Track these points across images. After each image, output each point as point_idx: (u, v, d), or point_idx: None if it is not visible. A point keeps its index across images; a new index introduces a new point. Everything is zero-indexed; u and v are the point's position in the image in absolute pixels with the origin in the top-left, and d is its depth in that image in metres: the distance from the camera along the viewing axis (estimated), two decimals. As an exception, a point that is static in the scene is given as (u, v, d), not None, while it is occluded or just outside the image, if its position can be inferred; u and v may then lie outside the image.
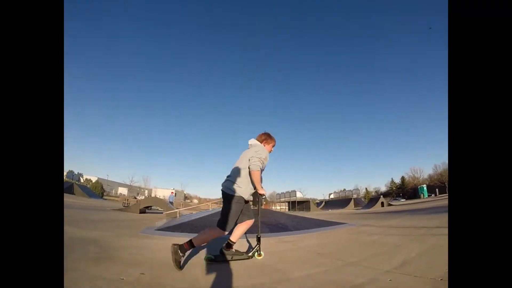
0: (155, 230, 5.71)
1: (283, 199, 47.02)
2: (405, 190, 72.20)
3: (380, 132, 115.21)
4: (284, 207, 45.17)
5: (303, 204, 38.02)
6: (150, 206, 16.84)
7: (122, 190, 72.81)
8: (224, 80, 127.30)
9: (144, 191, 76.64)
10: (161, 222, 7.93)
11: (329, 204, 41.85)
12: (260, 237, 3.15)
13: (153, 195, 70.30)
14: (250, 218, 3.04)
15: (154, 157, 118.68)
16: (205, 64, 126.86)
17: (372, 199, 29.71)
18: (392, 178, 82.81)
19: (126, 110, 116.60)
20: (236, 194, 2.82)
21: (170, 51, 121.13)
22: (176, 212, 12.86)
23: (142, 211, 13.94)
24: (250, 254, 3.07)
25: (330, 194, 54.24)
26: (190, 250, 2.82)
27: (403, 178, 77.14)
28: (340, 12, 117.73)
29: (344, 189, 49.08)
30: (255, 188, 2.94)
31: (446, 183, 58.79)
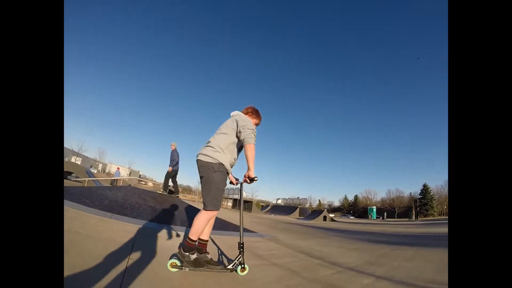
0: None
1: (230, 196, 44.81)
2: (356, 209, 74.10)
3: (345, 150, 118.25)
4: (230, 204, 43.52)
5: (246, 204, 36.58)
6: (71, 173, 16.62)
7: (76, 160, 67.32)
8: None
9: (98, 165, 72.00)
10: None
11: (275, 208, 40.91)
12: (243, 244, 2.50)
13: (107, 170, 67.49)
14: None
15: (115, 132, 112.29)
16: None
17: (315, 211, 28.93)
18: (346, 195, 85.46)
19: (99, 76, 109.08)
20: (214, 161, 2.37)
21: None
22: (85, 181, 13.13)
23: (60, 176, 13.63)
24: (230, 266, 2.41)
25: (278, 199, 53.66)
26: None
27: (356, 197, 79.31)
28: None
29: (298, 197, 48.44)
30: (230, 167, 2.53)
31: (396, 208, 60.85)
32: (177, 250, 2.41)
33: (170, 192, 9.28)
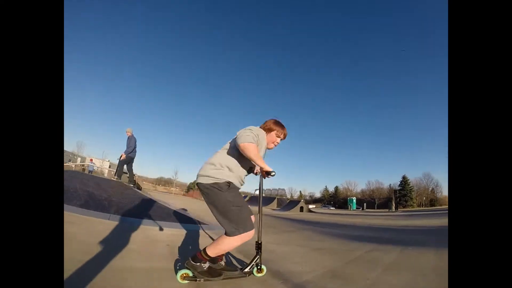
0: None
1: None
2: (336, 199, 74.55)
3: (326, 142, 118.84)
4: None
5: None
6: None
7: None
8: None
9: (77, 158, 69.13)
10: None
11: (254, 199, 39.74)
12: (261, 243, 2.29)
13: (86, 163, 64.39)
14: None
15: (97, 125, 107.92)
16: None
17: (291, 202, 27.63)
18: (326, 186, 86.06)
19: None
20: (221, 181, 1.97)
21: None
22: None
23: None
24: (247, 269, 2.18)
25: (256, 190, 53.33)
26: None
27: (336, 188, 79.89)
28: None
29: (277, 188, 47.81)
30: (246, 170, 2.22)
31: (376, 199, 61.53)
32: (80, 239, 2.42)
33: (131, 180, 8.99)
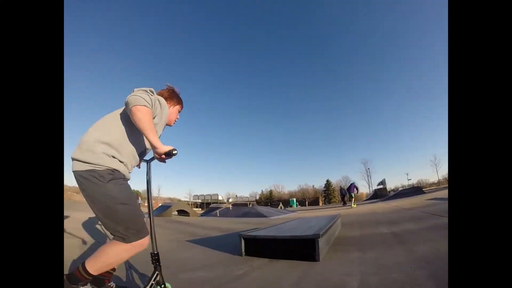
0: None
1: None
2: (272, 201, 79.99)
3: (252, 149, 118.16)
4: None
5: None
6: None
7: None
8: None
9: None
10: None
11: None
12: (158, 254, 1.66)
13: None
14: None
15: None
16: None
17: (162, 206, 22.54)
18: (262, 190, 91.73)
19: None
20: (99, 167, 1.42)
21: None
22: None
23: None
24: None
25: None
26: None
27: (271, 191, 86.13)
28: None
29: (217, 194, 52.07)
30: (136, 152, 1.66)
31: (306, 199, 68.39)
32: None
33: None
